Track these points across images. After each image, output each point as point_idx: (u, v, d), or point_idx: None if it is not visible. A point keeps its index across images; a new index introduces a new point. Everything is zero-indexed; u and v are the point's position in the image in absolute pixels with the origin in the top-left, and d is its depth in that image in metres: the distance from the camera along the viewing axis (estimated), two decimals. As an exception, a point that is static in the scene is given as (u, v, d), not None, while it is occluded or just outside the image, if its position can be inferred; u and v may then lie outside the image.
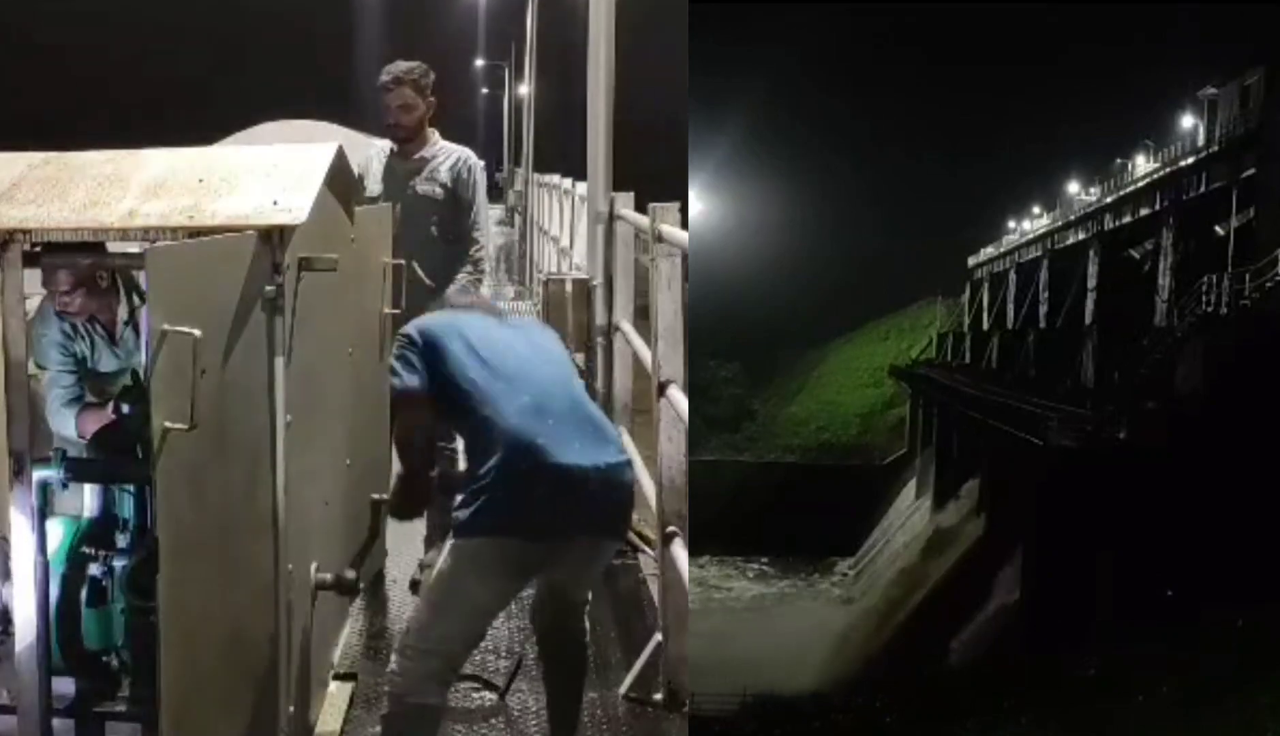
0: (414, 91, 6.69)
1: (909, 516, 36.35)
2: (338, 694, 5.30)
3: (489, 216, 7.13)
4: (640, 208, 6.37)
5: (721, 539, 35.03)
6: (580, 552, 4.53)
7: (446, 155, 6.81)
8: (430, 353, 4.50)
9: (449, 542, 4.40)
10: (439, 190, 6.74)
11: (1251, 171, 22.86)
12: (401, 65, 6.75)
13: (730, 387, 45.80)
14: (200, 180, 3.98)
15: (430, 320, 4.70)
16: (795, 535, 37.69)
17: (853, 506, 38.64)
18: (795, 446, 44.19)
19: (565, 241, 15.70)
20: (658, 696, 5.50)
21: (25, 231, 3.84)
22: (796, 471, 41.70)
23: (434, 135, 6.84)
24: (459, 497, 4.35)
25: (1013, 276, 39.60)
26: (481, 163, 7.08)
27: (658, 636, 5.61)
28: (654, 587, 6.17)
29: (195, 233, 3.74)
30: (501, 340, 4.64)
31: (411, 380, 4.48)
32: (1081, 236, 32.59)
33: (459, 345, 4.52)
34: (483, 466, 4.30)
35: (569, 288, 7.16)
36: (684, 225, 5.59)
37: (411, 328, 4.60)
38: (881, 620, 29.82)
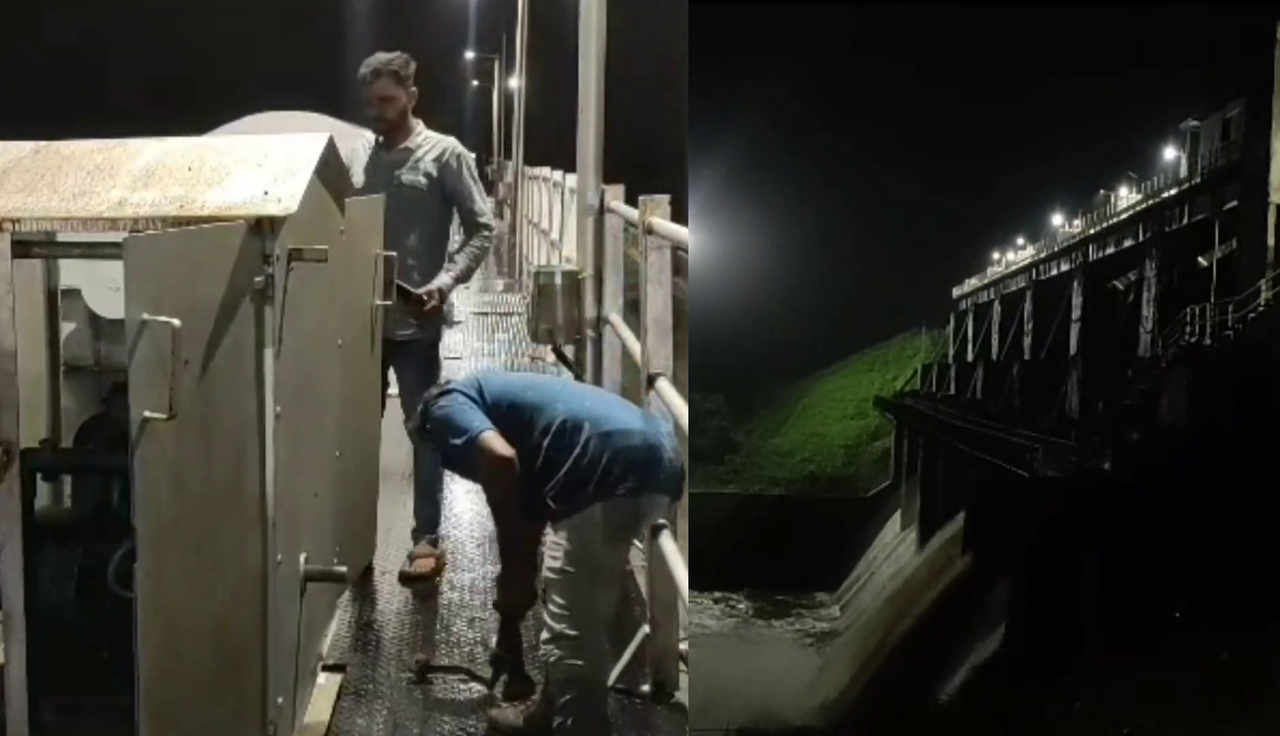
0: (394, 82, 6.73)
1: (894, 548, 36.25)
2: (327, 685, 5.30)
3: (487, 202, 7.21)
4: (631, 200, 6.39)
5: (706, 572, 34.89)
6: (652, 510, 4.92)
7: (431, 146, 6.84)
8: (478, 393, 4.84)
9: (563, 529, 4.69)
10: (423, 180, 6.77)
11: (1234, 203, 22.98)
12: (381, 56, 6.78)
13: (714, 419, 45.67)
14: (190, 170, 3.98)
15: (454, 384, 4.99)
16: (779, 568, 37.56)
17: (837, 539, 38.56)
18: (780, 479, 44.08)
19: (555, 234, 15.77)
20: (645, 688, 5.49)
21: (14, 220, 3.84)
22: (781, 504, 41.61)
23: (418, 126, 6.88)
24: (552, 489, 4.68)
25: (997, 307, 39.66)
26: (472, 155, 7.12)
27: (645, 628, 5.60)
28: (642, 579, 6.15)
29: (185, 222, 3.74)
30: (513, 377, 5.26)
31: (485, 424, 4.73)
32: (1065, 267, 32.67)
33: (494, 380, 4.97)
34: (565, 456, 4.66)
35: (558, 280, 7.17)
36: (674, 218, 5.58)
37: (451, 387, 4.92)
38: (866, 653, 29.71)
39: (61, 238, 4.09)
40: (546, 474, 4.69)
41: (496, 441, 4.67)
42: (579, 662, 4.63)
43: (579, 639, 4.61)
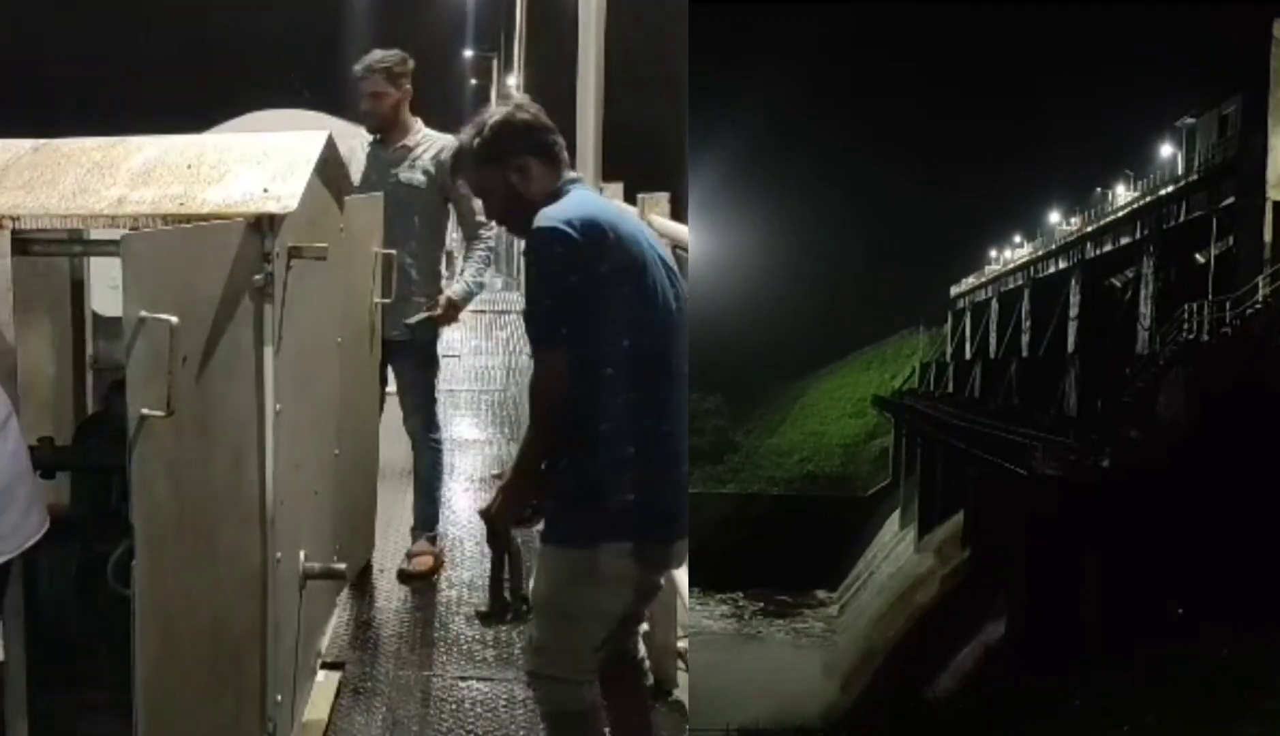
0: (386, 79, 6.71)
1: (893, 547, 36.28)
2: (326, 683, 5.30)
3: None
4: (630, 198, 6.39)
5: (705, 572, 34.91)
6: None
7: (430, 144, 6.83)
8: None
9: (552, 558, 3.92)
10: (421, 178, 6.77)
11: (1231, 200, 22.99)
12: (377, 54, 6.77)
13: (713, 419, 45.72)
14: (190, 167, 3.97)
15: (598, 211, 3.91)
16: (778, 567, 37.59)
17: (836, 538, 38.58)
18: (779, 478, 44.14)
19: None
20: None
21: (14, 218, 3.83)
22: (780, 503, 41.65)
23: (416, 123, 6.87)
24: (566, 491, 3.87)
25: (995, 305, 39.70)
26: None
27: (644, 626, 5.59)
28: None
29: (185, 220, 3.73)
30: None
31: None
32: (1063, 265, 32.70)
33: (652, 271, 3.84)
34: (603, 456, 3.80)
35: None
36: (673, 216, 5.58)
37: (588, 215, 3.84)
38: (865, 653, 29.73)
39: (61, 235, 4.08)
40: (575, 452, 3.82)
41: (561, 377, 3.74)
42: (547, 701, 4.03)
43: (553, 681, 3.98)
